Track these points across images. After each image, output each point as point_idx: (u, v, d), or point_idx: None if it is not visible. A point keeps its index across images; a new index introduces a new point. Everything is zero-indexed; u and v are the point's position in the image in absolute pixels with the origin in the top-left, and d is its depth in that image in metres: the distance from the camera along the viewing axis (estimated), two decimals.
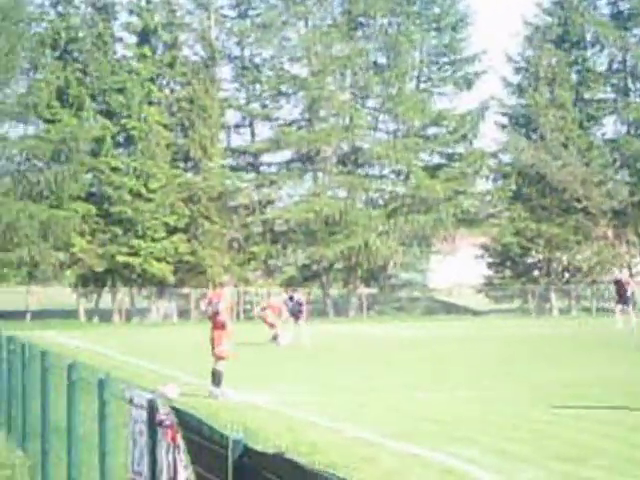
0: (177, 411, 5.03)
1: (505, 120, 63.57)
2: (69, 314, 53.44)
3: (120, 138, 56.68)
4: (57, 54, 56.51)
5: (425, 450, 11.52)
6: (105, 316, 54.32)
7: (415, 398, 16.88)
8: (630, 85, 63.34)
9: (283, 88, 61.79)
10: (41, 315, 51.14)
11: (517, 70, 63.54)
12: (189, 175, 58.40)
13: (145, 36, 57.66)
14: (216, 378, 17.24)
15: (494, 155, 62.97)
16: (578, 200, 58.60)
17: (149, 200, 54.54)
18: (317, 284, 59.51)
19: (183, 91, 58.07)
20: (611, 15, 63.50)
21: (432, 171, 60.62)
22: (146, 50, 57.26)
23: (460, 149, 62.48)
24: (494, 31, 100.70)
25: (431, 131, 62.93)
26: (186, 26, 60.43)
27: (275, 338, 31.47)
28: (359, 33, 62.29)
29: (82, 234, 53.93)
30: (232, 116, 62.21)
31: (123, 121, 55.58)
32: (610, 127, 63.99)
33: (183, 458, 4.89)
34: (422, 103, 61.45)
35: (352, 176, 59.56)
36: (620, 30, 61.51)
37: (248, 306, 55.69)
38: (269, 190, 60.76)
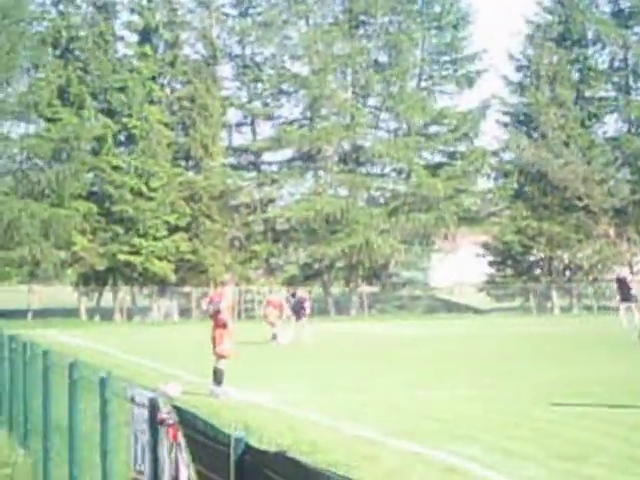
0: (178, 410, 5.03)
1: (506, 118, 63.54)
2: (70, 313, 53.48)
3: (121, 137, 56.72)
4: (58, 53, 56.51)
5: (426, 448, 11.51)
6: (106, 315, 54.35)
7: (416, 396, 16.87)
8: (631, 83, 63.31)
9: (284, 87, 61.82)
10: (42, 314, 51.16)
11: (518, 68, 63.50)
12: (190, 174, 58.40)
13: (146, 35, 57.68)
14: (217, 377, 17.24)
15: (495, 153, 62.94)
16: (579, 198, 58.58)
17: (150, 199, 54.56)
18: (318, 283, 59.54)
19: (184, 90, 58.08)
20: (612, 13, 63.44)
21: (433, 169, 60.64)
22: (147, 49, 57.29)
23: (461, 147, 62.49)
24: (495, 29, 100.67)
25: (432, 129, 62.91)
26: (187, 25, 60.44)
27: (275, 337, 31.43)
28: (360, 32, 62.27)
29: (83, 233, 53.94)
30: (233, 115, 62.36)
31: (124, 120, 55.59)
32: (611, 125, 63.89)
33: (185, 456, 4.89)
34: (423, 101, 61.46)
35: (353, 175, 59.56)
36: (621, 28, 61.47)
37: (249, 305, 55.74)
38: (270, 189, 60.78)
